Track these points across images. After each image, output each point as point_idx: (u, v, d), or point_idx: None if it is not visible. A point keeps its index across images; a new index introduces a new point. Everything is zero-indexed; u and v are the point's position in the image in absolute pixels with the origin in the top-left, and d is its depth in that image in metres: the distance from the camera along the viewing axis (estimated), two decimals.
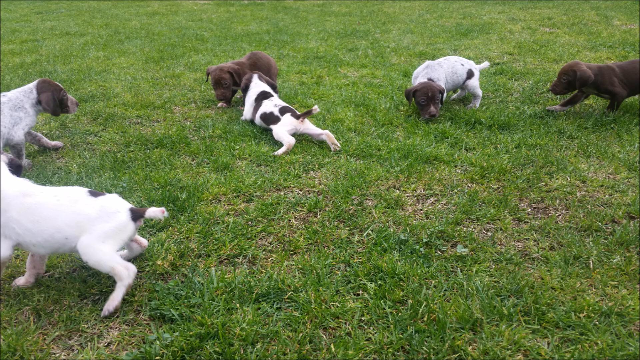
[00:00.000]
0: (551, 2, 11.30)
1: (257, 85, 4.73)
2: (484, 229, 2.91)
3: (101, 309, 2.32)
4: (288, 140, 4.03)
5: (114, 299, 2.32)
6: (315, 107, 4.14)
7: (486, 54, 6.89)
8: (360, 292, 2.42)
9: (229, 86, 5.09)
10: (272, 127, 4.22)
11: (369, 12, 11.22)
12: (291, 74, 6.18)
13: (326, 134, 4.08)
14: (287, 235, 2.89)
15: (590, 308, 2.23)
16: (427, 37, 8.24)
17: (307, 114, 4.19)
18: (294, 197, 3.29)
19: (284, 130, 4.13)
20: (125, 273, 2.33)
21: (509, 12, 10.21)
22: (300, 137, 4.25)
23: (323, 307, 2.30)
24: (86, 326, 2.26)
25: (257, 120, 4.48)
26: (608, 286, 2.39)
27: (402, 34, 8.60)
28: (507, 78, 5.77)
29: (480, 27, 8.75)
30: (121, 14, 11.72)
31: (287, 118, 4.20)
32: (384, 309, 2.28)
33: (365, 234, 2.87)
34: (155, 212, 2.42)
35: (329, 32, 8.98)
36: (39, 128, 4.58)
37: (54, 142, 4.14)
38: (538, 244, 2.75)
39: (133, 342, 2.17)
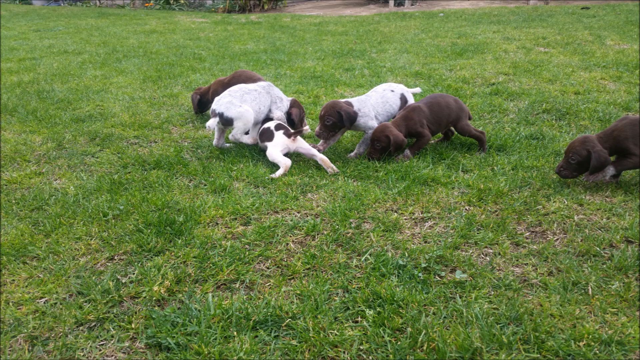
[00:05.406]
0: (545, 21, 11.44)
1: None
2: (482, 254, 2.91)
3: (97, 336, 2.29)
4: (284, 162, 4.02)
5: None
6: (307, 127, 4.14)
7: (482, 74, 6.95)
8: (359, 319, 2.40)
9: None
10: (267, 143, 4.22)
11: (365, 31, 11.33)
12: (288, 93, 6.20)
13: (320, 159, 4.07)
14: (285, 260, 2.88)
15: (590, 336, 2.22)
16: (423, 56, 8.32)
17: (298, 133, 4.20)
18: (291, 220, 3.28)
19: (277, 151, 4.12)
20: None
21: (503, 32, 10.33)
22: (298, 158, 4.26)
23: (321, 335, 2.28)
24: (82, 354, 2.23)
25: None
26: (607, 313, 2.38)
27: (398, 53, 8.68)
28: (502, 99, 5.81)
29: (475, 47, 8.84)
30: (119, 32, 11.79)
31: (279, 137, 4.19)
32: (383, 337, 2.26)
33: (363, 259, 2.86)
34: None
35: (326, 51, 9.06)
36: (35, 149, 4.57)
37: None
38: (536, 269, 2.74)
39: None
